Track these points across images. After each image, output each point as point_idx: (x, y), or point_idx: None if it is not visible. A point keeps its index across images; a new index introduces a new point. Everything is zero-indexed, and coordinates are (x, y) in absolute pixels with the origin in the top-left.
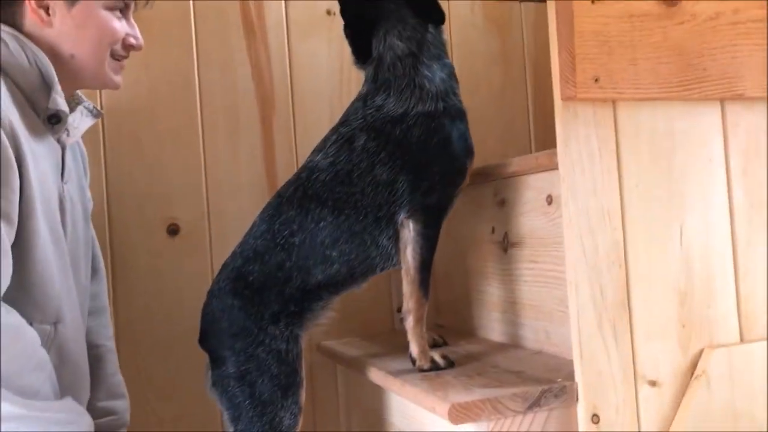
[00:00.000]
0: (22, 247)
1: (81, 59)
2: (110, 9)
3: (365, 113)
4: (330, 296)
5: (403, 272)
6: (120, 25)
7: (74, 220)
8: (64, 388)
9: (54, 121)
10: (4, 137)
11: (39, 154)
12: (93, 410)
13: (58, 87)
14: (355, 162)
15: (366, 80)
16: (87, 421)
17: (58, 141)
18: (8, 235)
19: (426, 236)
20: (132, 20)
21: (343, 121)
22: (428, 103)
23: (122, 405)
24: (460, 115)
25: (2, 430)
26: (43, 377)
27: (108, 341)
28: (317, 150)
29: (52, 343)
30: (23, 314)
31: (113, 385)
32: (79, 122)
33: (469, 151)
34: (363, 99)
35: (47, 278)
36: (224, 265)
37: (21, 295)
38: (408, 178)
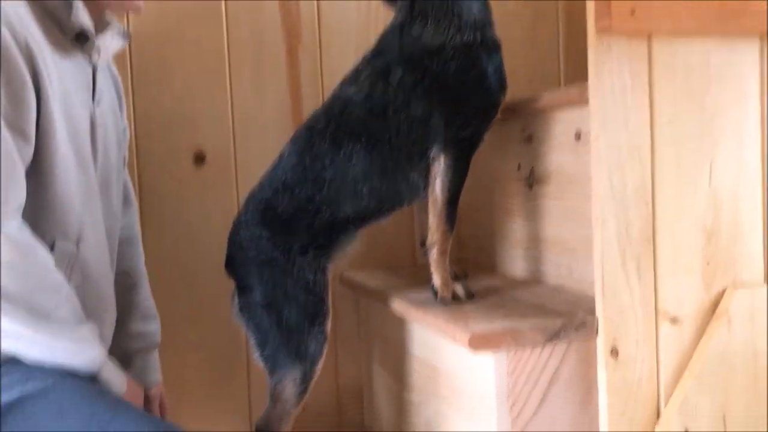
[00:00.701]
0: (41, 164)
1: None
2: None
3: (402, 44)
4: (357, 229)
5: (430, 204)
6: None
7: (106, 144)
8: (89, 309)
9: (82, 40)
10: (16, 54)
11: (65, 72)
12: (127, 333)
13: (78, 3)
14: (391, 97)
15: (400, 9)
16: (91, 355)
17: (90, 62)
18: (23, 152)
19: (456, 169)
20: None
21: (378, 53)
22: (466, 33)
23: (154, 327)
24: (495, 47)
25: (2, 345)
26: (57, 301)
27: (141, 268)
28: (349, 82)
29: (75, 262)
30: (45, 232)
31: (146, 308)
32: (110, 42)
33: (503, 85)
34: (399, 29)
35: (67, 197)
36: (251, 196)
37: (42, 213)
38: (443, 113)
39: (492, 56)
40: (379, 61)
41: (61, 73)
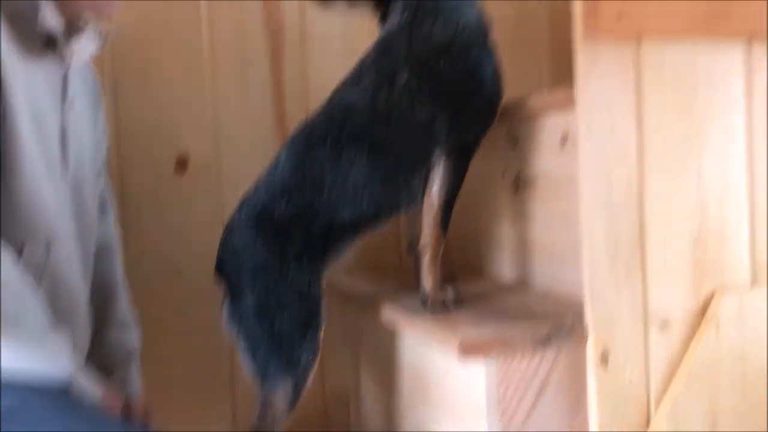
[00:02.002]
0: (6, 167)
1: None
2: None
3: (410, 44)
4: (353, 237)
5: (425, 207)
6: None
7: (80, 148)
8: (60, 315)
9: (51, 43)
10: None
11: (34, 75)
12: (105, 344)
13: (46, 4)
14: (396, 102)
15: (405, 9)
16: (62, 365)
17: (62, 65)
18: None
19: (455, 174)
20: None
21: (382, 55)
22: (473, 33)
23: (133, 336)
24: (494, 50)
25: None
26: (26, 307)
27: (118, 277)
28: (351, 85)
29: (45, 267)
30: (13, 236)
31: (124, 318)
32: (84, 46)
33: (501, 90)
34: (407, 28)
35: (36, 201)
36: (246, 198)
37: (9, 217)
38: (447, 117)
39: (492, 59)
40: (385, 64)
41: (29, 76)
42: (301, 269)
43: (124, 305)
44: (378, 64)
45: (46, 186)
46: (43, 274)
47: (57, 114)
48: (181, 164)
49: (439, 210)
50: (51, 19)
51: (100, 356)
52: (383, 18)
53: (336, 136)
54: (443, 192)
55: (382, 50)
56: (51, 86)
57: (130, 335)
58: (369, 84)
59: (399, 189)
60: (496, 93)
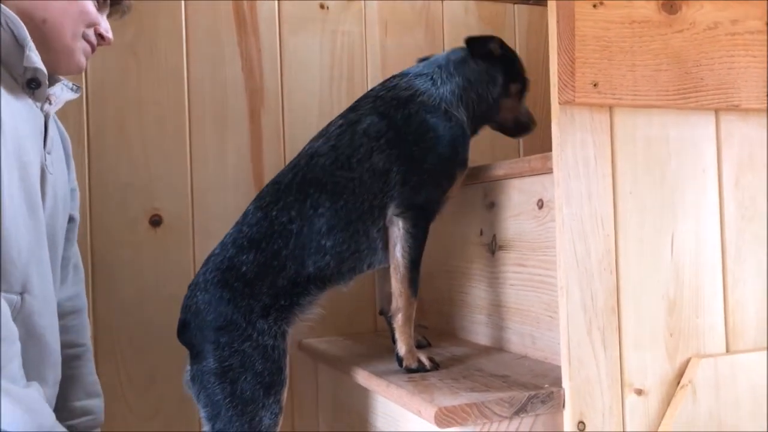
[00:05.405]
0: None
1: (53, 24)
2: None
3: (377, 95)
4: (318, 291)
5: (391, 270)
6: (94, 11)
7: (55, 194)
8: (30, 364)
9: (34, 86)
10: None
11: (18, 115)
12: (70, 409)
13: (31, 44)
14: (356, 146)
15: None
16: (37, 422)
17: (42, 109)
18: None
19: (414, 235)
20: (105, 18)
21: (354, 107)
22: (433, 99)
23: (98, 404)
24: (457, 124)
25: None
26: (11, 352)
27: (87, 341)
28: (318, 136)
29: (18, 314)
30: None
31: (90, 384)
32: (60, 93)
33: (458, 159)
34: (380, 84)
35: (14, 243)
36: (210, 257)
37: None
38: (401, 170)
39: (453, 128)
40: (352, 114)
41: (15, 114)
42: (266, 326)
43: (90, 370)
44: (347, 115)
45: (26, 228)
46: (15, 322)
47: (38, 156)
48: (155, 221)
49: (405, 271)
50: (36, 59)
51: (63, 422)
52: None
53: (300, 181)
54: (406, 252)
55: (355, 104)
56: (34, 128)
57: (95, 403)
58: (335, 131)
59: (359, 238)
60: (451, 160)
